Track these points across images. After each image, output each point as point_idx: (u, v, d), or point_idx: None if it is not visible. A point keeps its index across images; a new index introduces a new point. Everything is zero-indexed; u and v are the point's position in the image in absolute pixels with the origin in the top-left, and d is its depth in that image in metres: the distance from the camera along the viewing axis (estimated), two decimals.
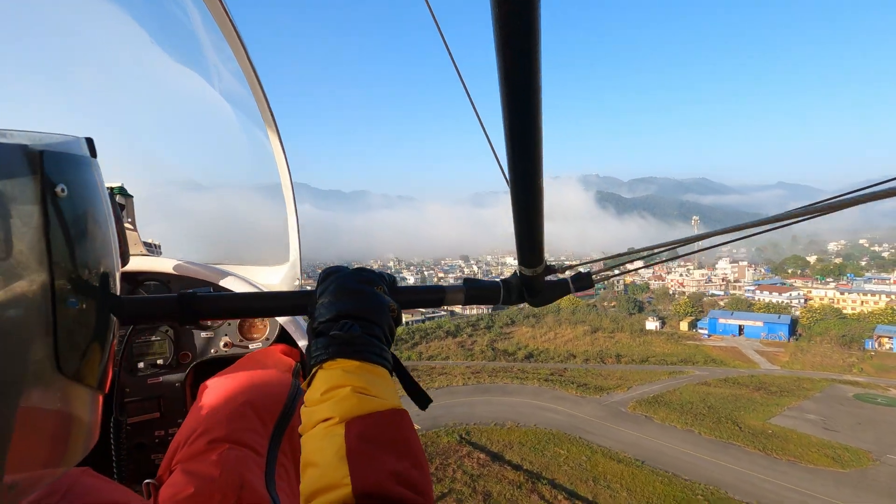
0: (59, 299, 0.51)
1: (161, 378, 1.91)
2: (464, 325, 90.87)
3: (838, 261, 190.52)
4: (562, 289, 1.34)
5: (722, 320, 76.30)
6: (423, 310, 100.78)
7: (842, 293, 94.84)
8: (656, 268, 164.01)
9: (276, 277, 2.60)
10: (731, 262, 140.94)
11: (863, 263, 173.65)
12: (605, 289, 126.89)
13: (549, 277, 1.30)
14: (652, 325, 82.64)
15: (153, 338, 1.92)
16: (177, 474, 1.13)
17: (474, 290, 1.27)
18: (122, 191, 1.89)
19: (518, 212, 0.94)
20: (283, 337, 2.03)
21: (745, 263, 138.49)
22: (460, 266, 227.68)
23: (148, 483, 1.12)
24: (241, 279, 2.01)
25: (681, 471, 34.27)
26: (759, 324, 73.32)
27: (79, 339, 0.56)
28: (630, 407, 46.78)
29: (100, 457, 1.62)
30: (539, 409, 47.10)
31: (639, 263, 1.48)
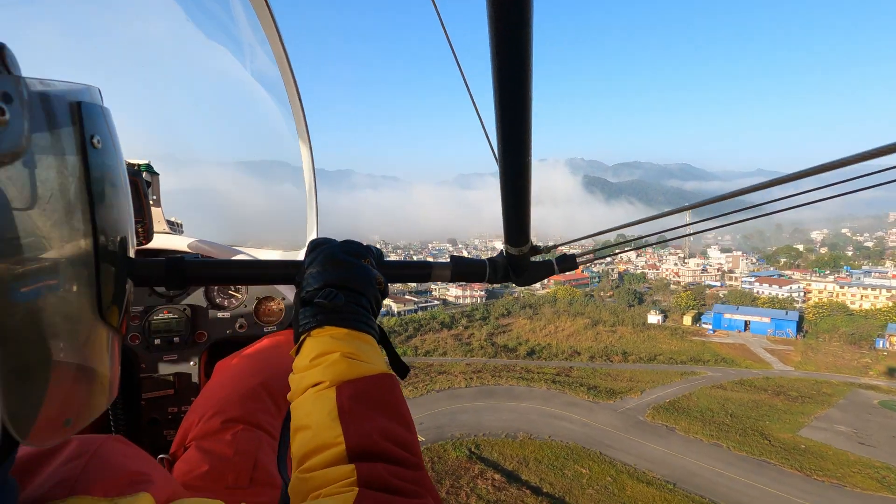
0: (101, 249, 0.52)
1: (177, 355, 1.92)
2: (459, 316, 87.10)
3: (824, 250, 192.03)
4: (546, 269, 1.40)
5: (727, 315, 73.94)
6: (416, 299, 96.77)
7: (841, 287, 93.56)
8: (649, 256, 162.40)
9: None
10: (723, 252, 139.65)
11: (849, 254, 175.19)
12: (600, 279, 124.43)
13: (534, 258, 1.35)
14: (654, 318, 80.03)
15: (170, 315, 1.91)
16: (191, 451, 1.15)
17: (461, 268, 1.30)
18: (148, 168, 1.85)
19: (506, 191, 0.95)
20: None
21: (739, 253, 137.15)
22: (448, 250, 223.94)
23: (162, 458, 1.16)
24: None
25: (718, 496, 31.14)
26: (766, 320, 71.10)
27: (114, 290, 0.57)
28: (648, 415, 43.66)
29: (118, 431, 1.72)
30: (551, 416, 43.68)
31: (618, 249, 1.56)
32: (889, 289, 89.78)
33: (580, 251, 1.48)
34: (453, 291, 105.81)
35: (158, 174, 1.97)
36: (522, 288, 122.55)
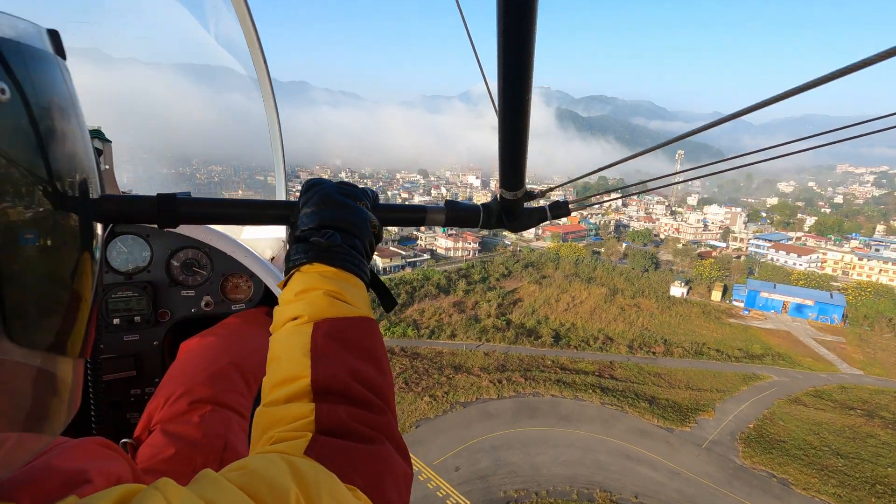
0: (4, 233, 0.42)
1: (138, 335, 1.85)
2: (455, 277, 74.90)
3: (800, 204, 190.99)
4: (539, 216, 1.39)
5: (764, 294, 65.68)
6: (402, 251, 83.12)
7: (860, 259, 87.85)
8: (639, 205, 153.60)
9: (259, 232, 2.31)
10: (722, 207, 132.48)
11: (827, 211, 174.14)
12: (597, 230, 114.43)
13: (527, 204, 1.33)
14: (677, 290, 71.00)
15: (130, 293, 1.82)
16: (156, 435, 1.11)
17: (455, 213, 1.28)
18: (98, 134, 1.78)
19: (504, 132, 0.93)
20: (268, 299, 1.94)
21: (739, 210, 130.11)
22: (419, 182, 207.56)
23: (125, 442, 1.11)
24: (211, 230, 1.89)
25: None
26: (810, 302, 63.37)
27: (36, 290, 0.47)
28: (744, 455, 34.25)
29: (77, 414, 1.64)
30: (624, 457, 33.43)
31: (612, 195, 1.47)
32: None
33: (573, 197, 1.47)
34: (442, 242, 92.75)
35: (111, 141, 1.80)
36: (516, 238, 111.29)
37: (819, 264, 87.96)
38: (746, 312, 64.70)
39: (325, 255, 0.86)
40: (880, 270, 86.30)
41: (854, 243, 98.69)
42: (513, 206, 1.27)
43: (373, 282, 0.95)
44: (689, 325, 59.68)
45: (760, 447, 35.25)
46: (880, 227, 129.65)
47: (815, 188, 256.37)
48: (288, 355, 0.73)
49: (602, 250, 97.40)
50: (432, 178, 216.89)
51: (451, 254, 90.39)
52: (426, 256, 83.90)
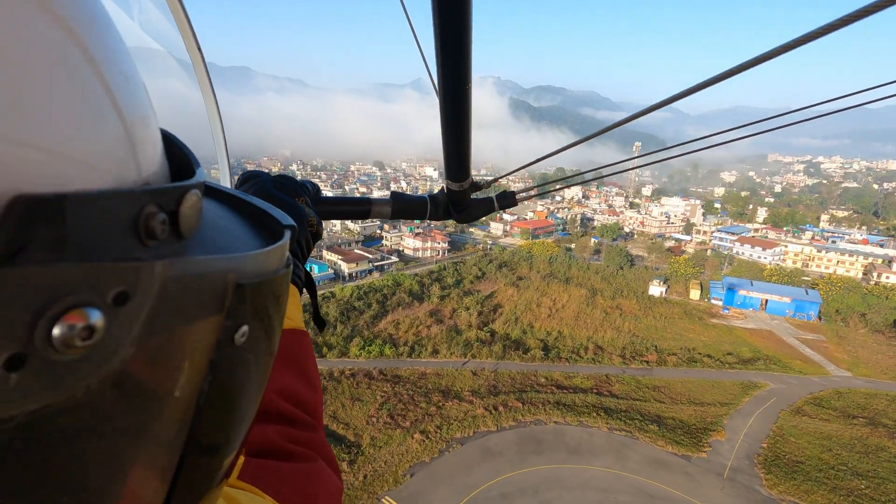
0: None
1: None
2: (427, 281, 70.01)
3: (745, 194, 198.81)
4: (487, 206, 1.41)
5: (742, 292, 65.04)
6: (368, 255, 77.06)
7: (819, 251, 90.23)
8: (603, 200, 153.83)
9: None
10: (681, 199, 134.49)
11: (771, 200, 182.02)
12: (565, 225, 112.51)
13: (475, 195, 1.35)
14: (656, 289, 69.41)
15: None
16: None
17: (401, 205, 1.29)
18: None
19: (447, 122, 0.92)
20: None
21: (697, 202, 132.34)
22: (376, 174, 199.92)
23: None
24: None
25: None
26: (787, 300, 63.23)
27: None
28: (767, 483, 31.74)
29: None
30: (646, 496, 30.12)
31: (558, 184, 1.54)
32: (867, 256, 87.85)
33: (521, 187, 1.45)
34: (410, 242, 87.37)
35: None
36: (483, 235, 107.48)
37: (782, 257, 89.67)
38: (726, 311, 63.82)
39: None
40: (838, 262, 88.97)
41: (808, 234, 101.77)
42: (460, 197, 1.27)
43: (307, 286, 0.89)
44: (674, 329, 57.80)
45: (781, 472, 32.93)
46: (825, 217, 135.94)
47: (755, 177, 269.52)
48: None
49: (573, 246, 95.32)
50: (389, 170, 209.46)
51: (420, 254, 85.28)
52: (394, 259, 78.38)
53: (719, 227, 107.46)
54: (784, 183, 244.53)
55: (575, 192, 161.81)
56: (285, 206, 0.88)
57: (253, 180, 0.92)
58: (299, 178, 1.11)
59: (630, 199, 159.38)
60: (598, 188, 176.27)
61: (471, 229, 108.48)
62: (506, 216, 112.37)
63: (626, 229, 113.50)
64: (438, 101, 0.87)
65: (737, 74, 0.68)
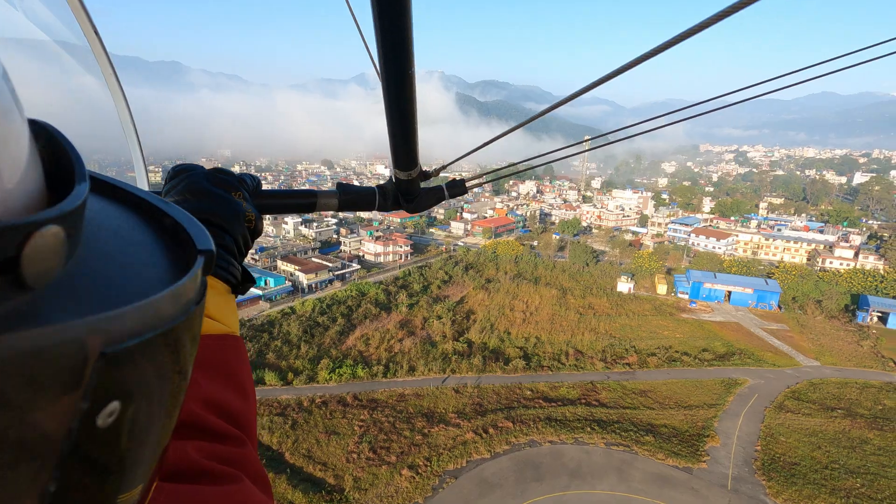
0: None
1: None
2: (393, 289, 66.40)
3: (687, 184, 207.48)
4: (437, 195, 1.40)
5: (707, 285, 65.98)
6: (326, 263, 72.27)
7: (766, 239, 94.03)
8: (557, 194, 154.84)
9: None
10: (631, 191, 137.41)
11: (710, 189, 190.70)
12: (525, 221, 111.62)
13: (424, 183, 1.34)
14: (624, 285, 69.29)
15: None
16: None
17: (349, 196, 1.25)
18: None
19: (391, 108, 0.90)
20: None
21: (648, 194, 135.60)
22: (325, 173, 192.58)
23: None
24: None
25: None
26: (749, 291, 64.67)
27: None
28: (771, 491, 31.02)
29: None
30: None
31: (505, 172, 1.58)
32: (810, 242, 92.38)
33: (469, 175, 1.43)
34: (370, 247, 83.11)
35: None
36: (444, 234, 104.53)
37: (734, 246, 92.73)
38: (693, 305, 64.45)
39: None
40: (784, 249, 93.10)
41: (754, 223, 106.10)
42: (409, 187, 1.26)
43: (244, 282, 0.86)
44: (649, 327, 57.45)
45: (781, 478, 32.35)
46: (763, 205, 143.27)
47: (692, 167, 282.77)
48: None
49: (537, 244, 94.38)
50: (339, 169, 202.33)
51: (382, 259, 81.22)
52: (355, 266, 73.99)
53: (673, 218, 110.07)
54: (720, 172, 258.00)
55: (530, 187, 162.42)
56: (219, 201, 0.84)
57: (184, 174, 0.86)
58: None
59: (583, 193, 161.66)
60: (551, 182, 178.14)
61: (431, 230, 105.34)
62: (466, 215, 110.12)
63: (584, 223, 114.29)
64: (382, 89, 0.85)
65: (648, 60, 0.75)
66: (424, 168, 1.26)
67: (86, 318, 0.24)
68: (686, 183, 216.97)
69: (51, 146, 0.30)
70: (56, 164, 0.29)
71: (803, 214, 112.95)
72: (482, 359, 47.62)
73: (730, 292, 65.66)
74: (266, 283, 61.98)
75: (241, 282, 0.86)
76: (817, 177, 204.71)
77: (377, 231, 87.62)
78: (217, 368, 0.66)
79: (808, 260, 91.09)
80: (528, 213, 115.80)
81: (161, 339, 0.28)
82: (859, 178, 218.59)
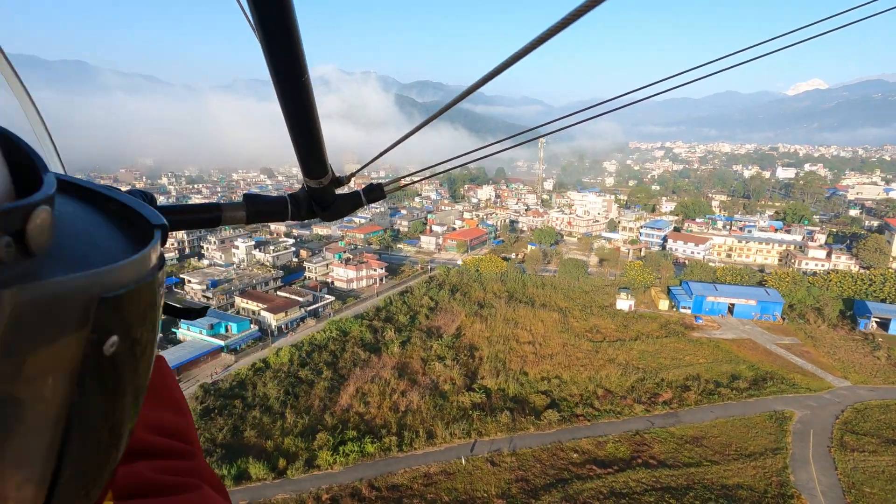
0: None
1: None
2: (377, 323, 57.98)
3: (632, 183, 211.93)
4: (354, 201, 1.36)
5: (710, 298, 63.01)
6: (298, 299, 62.19)
7: (740, 241, 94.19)
8: (517, 200, 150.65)
9: None
10: (598, 195, 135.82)
11: (657, 188, 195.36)
12: (496, 232, 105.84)
13: (340, 190, 1.29)
14: (624, 303, 65.05)
15: None
16: None
17: (257, 206, 1.20)
18: None
19: (290, 117, 0.87)
20: None
21: (611, 198, 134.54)
22: (265, 182, 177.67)
23: None
24: None
25: None
26: (752, 302, 62.34)
27: None
28: None
29: None
30: None
31: (421, 175, 1.54)
32: (780, 243, 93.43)
33: (385, 179, 1.26)
34: (340, 272, 73.66)
35: None
36: (415, 249, 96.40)
37: (709, 250, 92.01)
38: (700, 321, 61.19)
39: None
40: (756, 251, 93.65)
41: (720, 224, 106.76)
42: (322, 194, 1.23)
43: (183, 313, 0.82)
44: (667, 352, 53.09)
45: None
46: (715, 203, 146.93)
47: (632, 165, 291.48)
48: None
49: (516, 256, 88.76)
50: (280, 178, 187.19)
51: (355, 285, 72.07)
52: (328, 298, 64.52)
53: (643, 222, 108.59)
54: (658, 170, 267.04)
55: (488, 192, 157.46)
56: None
57: None
58: (139, 187, 1.00)
59: (541, 196, 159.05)
60: (507, 186, 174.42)
61: (399, 245, 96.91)
62: (435, 227, 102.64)
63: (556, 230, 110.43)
64: (277, 98, 0.81)
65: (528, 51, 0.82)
66: (337, 174, 1.21)
67: (85, 273, 0.33)
68: (632, 182, 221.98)
69: (8, 147, 0.38)
70: (17, 164, 0.36)
71: (766, 214, 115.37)
72: (509, 413, 40.66)
73: (732, 305, 63.05)
74: (227, 330, 51.41)
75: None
76: (753, 173, 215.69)
77: (346, 253, 78.16)
78: (150, 389, 0.60)
79: (780, 261, 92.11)
80: (499, 223, 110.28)
81: (143, 288, 0.39)
82: (781, 172, 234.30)
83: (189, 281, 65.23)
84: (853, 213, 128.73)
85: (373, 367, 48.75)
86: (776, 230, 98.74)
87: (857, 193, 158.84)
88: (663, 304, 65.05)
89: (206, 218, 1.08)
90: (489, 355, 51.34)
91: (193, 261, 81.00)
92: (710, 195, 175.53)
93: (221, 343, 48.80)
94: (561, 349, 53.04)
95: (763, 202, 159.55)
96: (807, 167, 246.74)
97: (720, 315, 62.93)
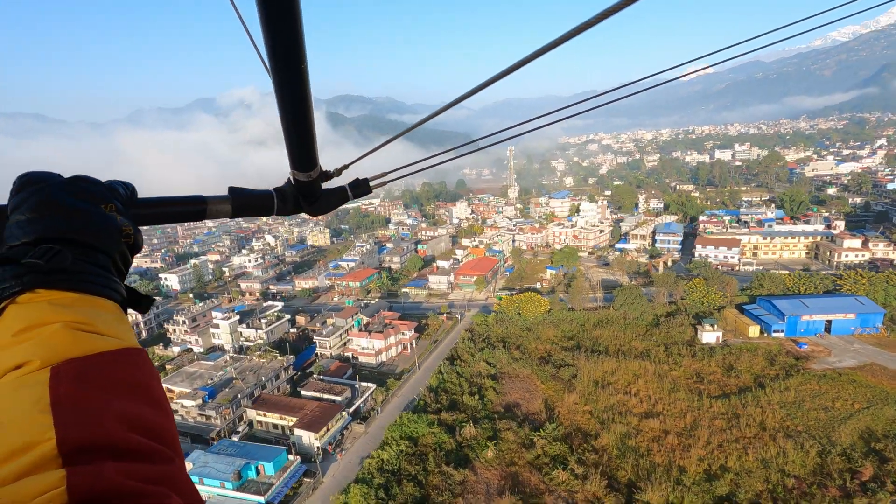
0: None
1: None
2: (447, 416, 44.63)
3: (592, 181, 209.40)
4: (340, 196, 1.36)
5: (805, 317, 55.23)
6: (336, 398, 47.17)
7: (765, 238, 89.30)
8: (499, 214, 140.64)
9: None
10: (593, 202, 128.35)
11: (619, 184, 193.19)
12: (506, 256, 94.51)
13: (326, 184, 1.29)
14: (710, 335, 55.98)
15: None
16: None
17: (242, 200, 1.19)
18: None
19: (285, 106, 0.86)
20: None
21: (605, 202, 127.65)
22: (210, 228, 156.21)
23: None
24: None
25: None
26: (851, 316, 55.19)
27: None
28: None
29: None
30: None
31: (408, 170, 1.71)
32: (806, 235, 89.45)
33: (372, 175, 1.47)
34: (361, 342, 59.26)
35: None
36: (425, 293, 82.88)
37: (741, 251, 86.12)
38: (804, 346, 53.06)
39: (56, 278, 0.67)
40: (782, 246, 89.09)
41: (727, 219, 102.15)
42: (309, 188, 1.21)
43: (131, 300, 0.79)
44: (809, 399, 43.91)
45: None
46: (697, 195, 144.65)
47: (580, 162, 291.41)
48: (15, 417, 0.54)
49: (539, 286, 77.79)
50: (227, 219, 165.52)
51: (384, 357, 57.83)
52: (368, 386, 50.06)
53: (648, 227, 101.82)
54: (606, 164, 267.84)
55: (462, 209, 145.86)
56: (85, 216, 0.74)
57: (32, 187, 0.74)
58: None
59: (519, 208, 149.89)
60: (480, 200, 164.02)
61: (405, 290, 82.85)
62: (441, 263, 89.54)
63: (558, 246, 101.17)
64: (273, 86, 0.79)
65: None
66: (326, 169, 1.21)
67: None
68: (592, 181, 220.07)
69: None
70: None
71: (773, 205, 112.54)
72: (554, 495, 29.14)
73: (830, 321, 55.67)
74: (259, 472, 35.85)
75: (131, 300, 0.79)
76: (703, 159, 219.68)
77: (358, 314, 63.41)
78: (125, 384, 0.62)
79: (807, 254, 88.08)
80: (507, 248, 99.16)
81: None
82: (719, 154, 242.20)
83: (170, 391, 48.04)
84: (831, 191, 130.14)
85: (471, 489, 35.66)
86: (792, 221, 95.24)
87: (814, 170, 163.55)
88: (753, 331, 56.54)
89: (190, 211, 1.05)
90: (613, 444, 39.69)
91: (158, 349, 62.94)
92: (673, 185, 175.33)
93: (261, 501, 33.43)
94: (690, 418, 42.40)
95: (730, 188, 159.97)
96: (737, 147, 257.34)
97: (818, 335, 55.33)
